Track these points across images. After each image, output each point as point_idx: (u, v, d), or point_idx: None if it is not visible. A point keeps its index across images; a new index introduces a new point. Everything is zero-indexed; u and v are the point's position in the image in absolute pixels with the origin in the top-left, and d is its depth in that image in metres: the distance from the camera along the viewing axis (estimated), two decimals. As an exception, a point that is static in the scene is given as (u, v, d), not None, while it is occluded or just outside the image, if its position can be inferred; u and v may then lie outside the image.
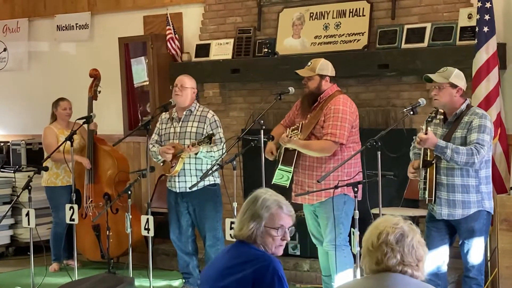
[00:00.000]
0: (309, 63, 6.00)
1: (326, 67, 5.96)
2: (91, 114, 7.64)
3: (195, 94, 6.76)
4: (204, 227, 6.71)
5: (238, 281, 3.55)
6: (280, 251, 3.71)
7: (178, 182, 6.64)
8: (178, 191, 6.67)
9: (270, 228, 3.64)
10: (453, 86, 5.27)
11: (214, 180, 6.66)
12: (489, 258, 6.43)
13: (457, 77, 5.30)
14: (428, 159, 5.28)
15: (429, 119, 5.38)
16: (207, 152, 6.47)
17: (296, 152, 5.93)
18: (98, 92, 7.96)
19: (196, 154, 6.49)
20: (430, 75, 5.33)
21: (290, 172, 5.94)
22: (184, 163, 6.57)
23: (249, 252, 3.63)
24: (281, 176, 5.97)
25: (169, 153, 6.54)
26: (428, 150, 5.27)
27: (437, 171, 5.28)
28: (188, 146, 6.43)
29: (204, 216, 6.68)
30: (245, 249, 3.65)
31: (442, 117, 5.36)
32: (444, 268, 5.45)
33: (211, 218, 6.68)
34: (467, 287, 5.37)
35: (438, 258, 5.39)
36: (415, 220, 6.48)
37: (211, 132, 6.46)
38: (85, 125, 7.60)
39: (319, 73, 5.92)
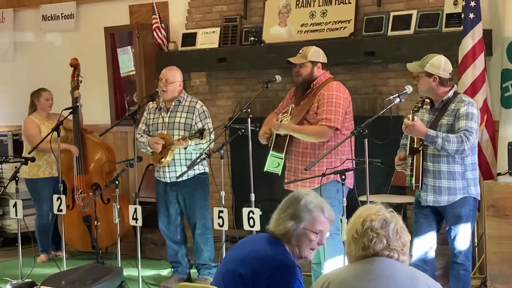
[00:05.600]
0: (301, 51, 6.00)
1: (317, 54, 5.97)
2: (77, 104, 7.61)
3: (181, 87, 6.73)
4: (194, 215, 6.72)
5: (254, 275, 3.51)
6: (312, 255, 3.68)
7: (168, 172, 6.63)
8: (168, 181, 6.66)
9: (310, 232, 3.61)
10: (429, 75, 5.27)
11: (204, 169, 6.67)
12: (476, 244, 6.46)
13: (433, 65, 5.26)
14: (415, 146, 5.30)
15: (415, 109, 5.39)
16: (196, 145, 6.47)
17: (288, 138, 5.93)
18: (80, 81, 7.91)
19: (185, 148, 6.48)
20: (408, 65, 5.36)
21: (282, 159, 5.93)
22: (174, 153, 6.56)
23: (277, 251, 3.58)
24: (273, 163, 5.96)
25: (159, 144, 6.54)
26: (415, 137, 5.29)
27: (423, 158, 5.29)
28: (178, 140, 6.42)
29: (194, 204, 6.68)
30: (275, 247, 3.59)
31: (428, 107, 5.37)
32: (432, 254, 5.47)
33: (200, 207, 6.69)
34: (454, 272, 5.39)
35: (425, 244, 5.41)
36: (402, 207, 6.51)
37: (202, 127, 6.43)
38: (70, 116, 7.55)
39: (311, 59, 5.92)
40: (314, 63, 5.94)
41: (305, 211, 3.59)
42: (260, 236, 3.76)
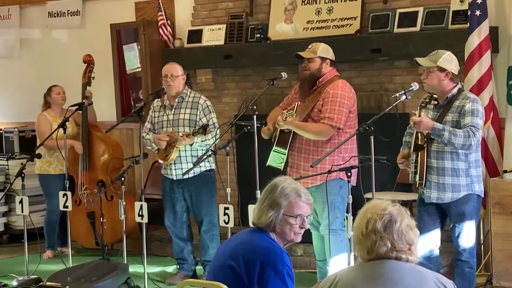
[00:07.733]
0: (310, 46, 6.04)
1: (327, 51, 6.01)
2: (84, 101, 7.62)
3: (184, 80, 6.77)
4: (200, 212, 6.72)
5: (246, 264, 3.58)
6: (299, 238, 3.75)
7: (175, 169, 6.64)
8: (175, 178, 6.66)
9: (289, 217, 3.67)
10: (441, 69, 5.26)
11: (210, 166, 6.67)
12: (482, 241, 6.46)
13: (446, 60, 5.28)
14: (419, 143, 5.30)
15: (423, 105, 5.38)
16: (202, 141, 6.47)
17: (292, 134, 5.94)
18: (92, 78, 7.93)
19: (191, 145, 6.48)
20: (418, 59, 5.34)
21: (285, 154, 5.95)
22: (179, 150, 6.56)
23: (265, 240, 3.66)
24: (276, 158, 5.98)
25: (163, 141, 6.54)
26: (420, 134, 5.28)
27: (427, 155, 5.28)
28: (182, 136, 6.42)
29: (201, 201, 6.68)
30: (261, 237, 3.68)
31: (436, 102, 5.36)
32: (437, 252, 5.47)
33: (207, 204, 6.69)
34: (459, 270, 5.39)
35: (430, 242, 5.41)
36: (408, 204, 6.50)
37: (205, 123, 6.44)
38: (79, 112, 7.58)
39: (321, 55, 5.95)
40: (323, 59, 5.97)
41: (282, 197, 3.67)
42: (246, 230, 3.84)
